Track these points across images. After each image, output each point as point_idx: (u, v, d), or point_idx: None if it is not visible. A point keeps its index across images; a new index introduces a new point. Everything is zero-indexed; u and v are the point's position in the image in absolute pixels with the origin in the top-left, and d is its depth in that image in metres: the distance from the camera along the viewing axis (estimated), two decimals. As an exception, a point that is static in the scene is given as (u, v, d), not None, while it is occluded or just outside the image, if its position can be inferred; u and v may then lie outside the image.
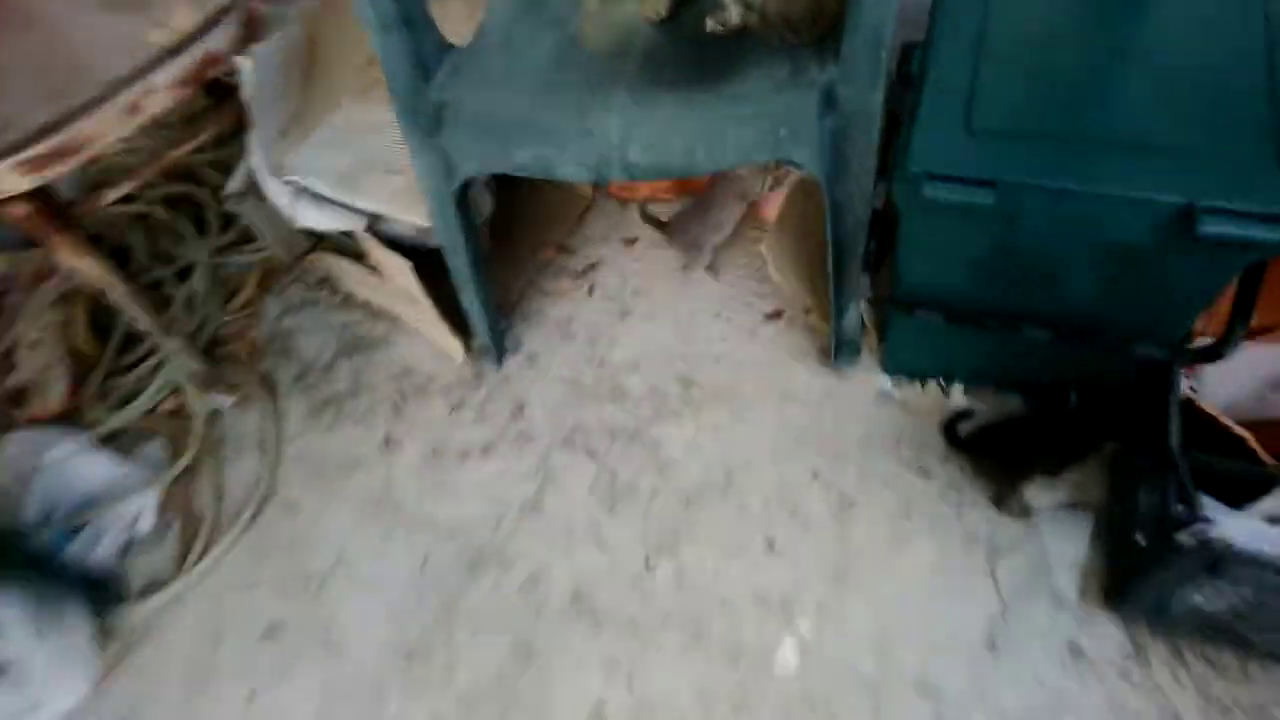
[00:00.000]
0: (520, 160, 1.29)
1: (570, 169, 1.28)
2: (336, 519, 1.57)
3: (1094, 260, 1.18)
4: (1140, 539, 1.28)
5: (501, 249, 1.89)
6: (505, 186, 1.73)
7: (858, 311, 1.52)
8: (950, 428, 1.48)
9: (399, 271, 1.56)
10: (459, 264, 1.54)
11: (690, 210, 1.67)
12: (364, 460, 1.64)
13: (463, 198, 1.43)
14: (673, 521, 1.50)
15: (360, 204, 1.54)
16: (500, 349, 1.74)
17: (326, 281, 1.93)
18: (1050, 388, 1.40)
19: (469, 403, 1.70)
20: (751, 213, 1.68)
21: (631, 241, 1.89)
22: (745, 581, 1.43)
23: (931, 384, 1.58)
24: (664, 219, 1.83)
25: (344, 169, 1.59)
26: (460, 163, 1.34)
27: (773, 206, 1.78)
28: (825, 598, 1.40)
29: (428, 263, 1.56)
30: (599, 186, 1.97)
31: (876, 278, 1.41)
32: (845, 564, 1.42)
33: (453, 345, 1.73)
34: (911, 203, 1.17)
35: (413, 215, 1.51)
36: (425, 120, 1.31)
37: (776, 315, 1.73)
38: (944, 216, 1.17)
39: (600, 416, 1.65)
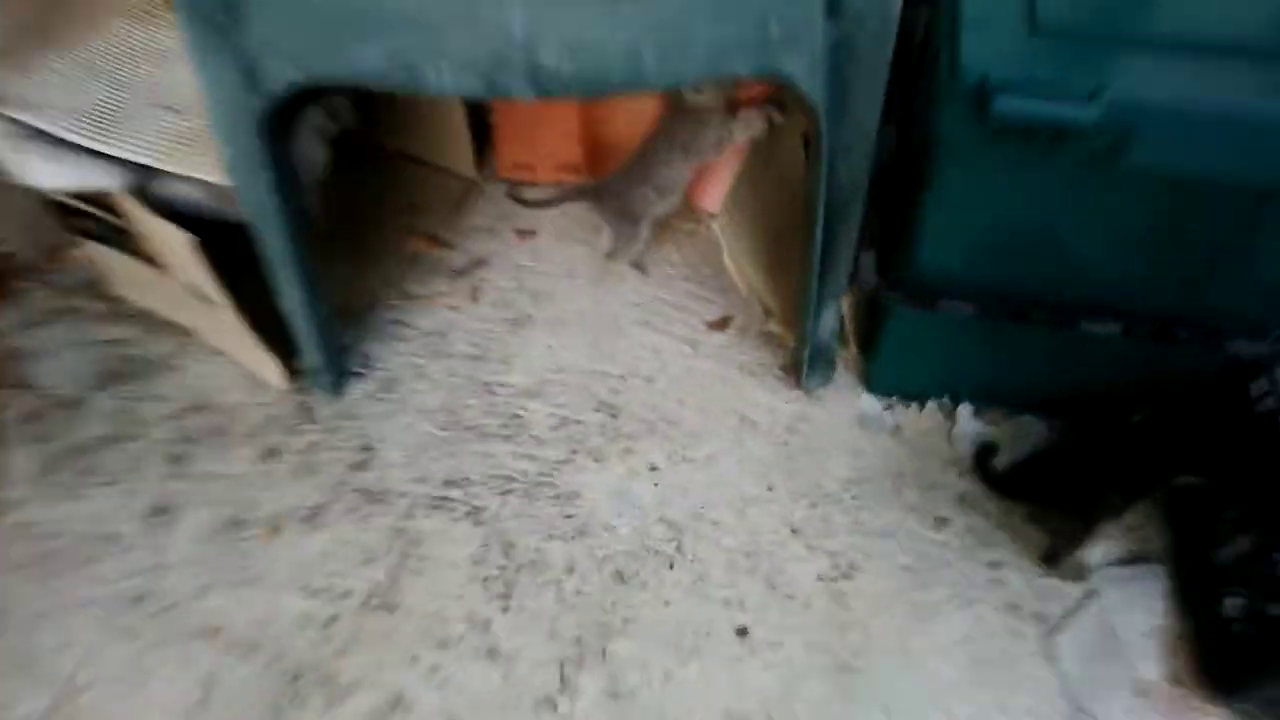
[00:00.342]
0: (367, 61, 0.83)
1: (446, 76, 0.83)
2: (68, 629, 1.02)
3: (1206, 215, 0.85)
4: (1242, 601, 0.94)
5: (348, 236, 1.40)
6: (351, 156, 1.24)
7: (837, 311, 1.14)
8: (983, 462, 1.11)
9: (178, 251, 1.04)
10: (274, 243, 1.04)
11: (625, 171, 1.24)
12: (119, 538, 1.10)
13: (277, 136, 0.95)
14: (599, 609, 1.05)
15: (121, 151, 1.03)
16: (340, 371, 1.24)
17: (90, 285, 1.36)
18: (1096, 404, 1.05)
19: (288, 449, 1.18)
20: (684, 198, 1.28)
21: (528, 233, 1.44)
22: (711, 692, 0.99)
23: (931, 405, 1.21)
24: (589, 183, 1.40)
25: (99, 104, 1.08)
26: (270, 67, 0.86)
27: (712, 189, 1.38)
28: (826, 708, 0.97)
29: (234, 248, 1.05)
30: (484, 164, 1.52)
31: (874, 263, 1.03)
32: (849, 655, 1.01)
33: (268, 367, 1.21)
34: (965, 132, 0.81)
35: (199, 168, 1.00)
36: (216, 5, 0.83)
37: (723, 322, 1.33)
38: (1005, 154, 0.80)
39: (488, 462, 1.17)
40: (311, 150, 1.11)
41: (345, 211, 1.44)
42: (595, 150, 1.50)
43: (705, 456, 1.18)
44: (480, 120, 1.48)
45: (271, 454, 1.17)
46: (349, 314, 1.31)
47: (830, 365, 1.24)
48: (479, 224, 1.46)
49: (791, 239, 1.25)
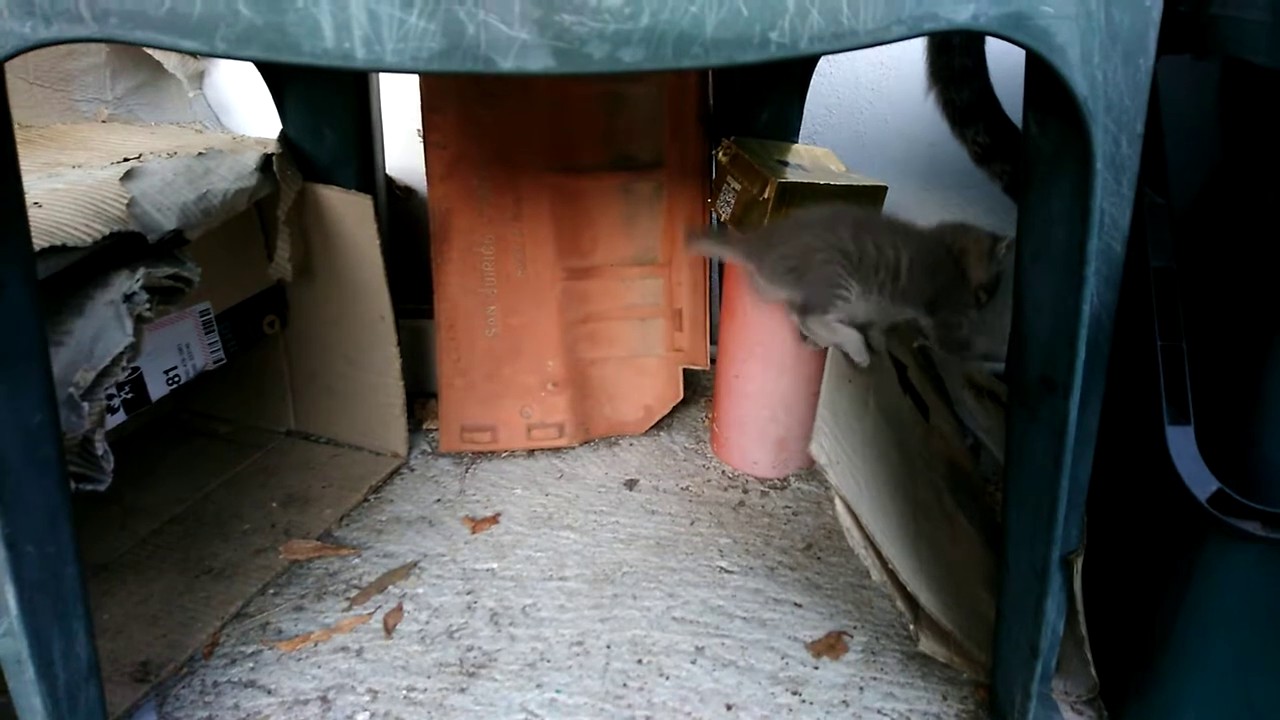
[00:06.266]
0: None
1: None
2: None
3: None
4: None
5: (173, 542, 0.85)
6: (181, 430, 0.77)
7: (1065, 598, 0.61)
8: None
9: None
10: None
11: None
12: None
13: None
14: None
15: None
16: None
17: None
18: None
19: None
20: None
21: (488, 520, 0.91)
22: None
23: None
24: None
25: None
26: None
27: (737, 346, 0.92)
28: None
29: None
30: (417, 410, 1.04)
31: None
32: None
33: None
34: None
35: None
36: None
37: (837, 642, 0.76)
38: None
39: None
40: (110, 335, 0.61)
41: (167, 502, 0.91)
42: (582, 395, 1.05)
43: None
44: (413, 374, 1.04)
45: None
46: (151, 673, 0.70)
47: (1052, 709, 0.67)
48: (405, 514, 0.92)
49: (934, 502, 0.78)
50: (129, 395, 0.82)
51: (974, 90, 0.77)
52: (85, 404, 0.57)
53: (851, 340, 0.80)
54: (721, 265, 1.03)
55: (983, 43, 0.76)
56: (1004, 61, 0.75)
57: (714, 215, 0.98)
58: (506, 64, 0.40)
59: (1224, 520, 0.53)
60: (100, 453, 0.59)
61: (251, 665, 0.73)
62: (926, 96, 0.79)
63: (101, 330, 0.60)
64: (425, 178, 0.98)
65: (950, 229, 0.82)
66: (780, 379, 0.96)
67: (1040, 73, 0.50)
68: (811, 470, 1.00)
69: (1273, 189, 0.56)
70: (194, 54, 0.72)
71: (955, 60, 0.75)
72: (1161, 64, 0.51)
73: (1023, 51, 0.49)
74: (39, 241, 0.58)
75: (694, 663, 0.74)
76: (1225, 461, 0.54)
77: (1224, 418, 0.55)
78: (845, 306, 0.80)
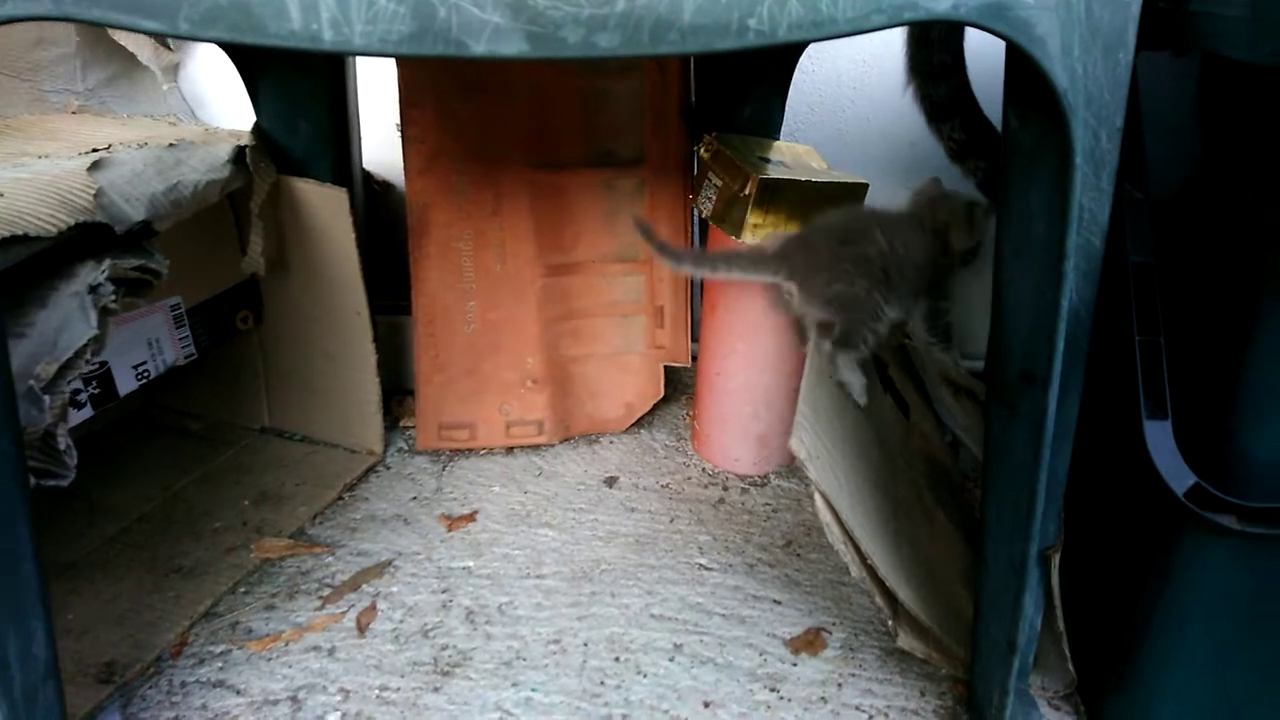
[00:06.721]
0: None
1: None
2: None
3: None
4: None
5: (139, 540, 0.83)
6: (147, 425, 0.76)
7: (1042, 592, 0.61)
8: None
9: None
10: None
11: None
12: None
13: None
14: None
15: None
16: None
17: None
18: None
19: None
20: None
21: (464, 518, 0.90)
22: None
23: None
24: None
25: None
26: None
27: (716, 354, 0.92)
28: None
29: None
30: (393, 407, 1.03)
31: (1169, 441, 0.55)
32: None
33: None
34: None
35: None
36: None
37: (815, 638, 0.76)
38: None
39: None
40: (73, 327, 0.60)
41: (136, 499, 0.89)
42: (563, 393, 1.04)
43: None
44: (390, 370, 1.03)
45: None
46: (116, 674, 0.69)
47: (1030, 705, 0.67)
48: (380, 512, 0.91)
49: (914, 500, 0.78)
50: (96, 390, 0.81)
51: (951, 86, 0.77)
52: (47, 397, 0.55)
53: (859, 385, 0.78)
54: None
55: (962, 39, 0.76)
56: (983, 60, 0.75)
57: (696, 209, 0.98)
58: (479, 48, 0.39)
59: (1201, 514, 0.53)
60: (63, 447, 0.58)
61: (220, 665, 0.72)
62: (905, 91, 0.78)
63: (65, 322, 0.59)
64: (403, 172, 0.97)
65: (926, 204, 0.79)
66: (762, 376, 0.95)
67: (1020, 65, 0.49)
68: (792, 467, 1.00)
69: (1251, 185, 0.56)
70: (156, 35, 0.70)
71: (934, 55, 0.75)
72: (1141, 60, 0.50)
73: (1002, 51, 0.49)
74: (-1, 230, 0.57)
75: (672, 660, 0.73)
76: (1202, 456, 0.54)
77: (1201, 412, 0.55)
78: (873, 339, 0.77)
